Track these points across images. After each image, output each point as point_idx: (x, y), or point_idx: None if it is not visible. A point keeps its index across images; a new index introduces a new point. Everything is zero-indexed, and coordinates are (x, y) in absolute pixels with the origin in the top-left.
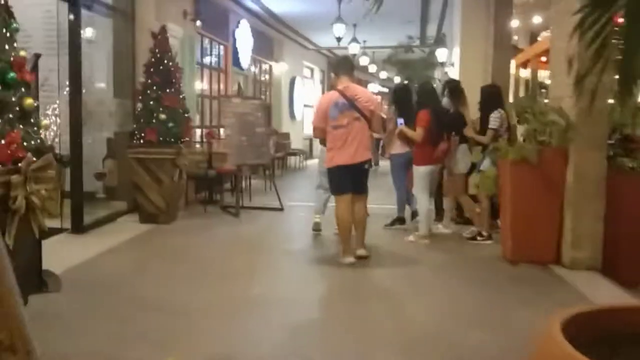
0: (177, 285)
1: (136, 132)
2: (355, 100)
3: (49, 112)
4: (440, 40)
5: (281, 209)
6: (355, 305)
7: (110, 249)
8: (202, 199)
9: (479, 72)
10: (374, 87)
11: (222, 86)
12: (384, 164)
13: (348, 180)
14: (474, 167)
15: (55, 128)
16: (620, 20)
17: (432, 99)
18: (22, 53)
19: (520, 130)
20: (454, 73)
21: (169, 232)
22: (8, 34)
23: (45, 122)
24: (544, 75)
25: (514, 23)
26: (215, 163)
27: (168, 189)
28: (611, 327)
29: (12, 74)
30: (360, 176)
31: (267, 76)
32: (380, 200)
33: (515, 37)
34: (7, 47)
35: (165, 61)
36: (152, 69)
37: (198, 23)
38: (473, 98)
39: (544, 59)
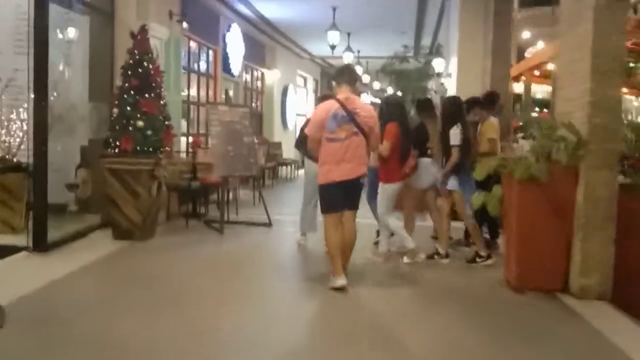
0: (141, 318)
1: (111, 140)
2: (356, 114)
3: (14, 116)
4: (437, 51)
5: (269, 225)
6: (344, 349)
7: (74, 271)
8: (185, 212)
9: (476, 84)
10: (366, 98)
11: (210, 93)
12: None
13: (341, 197)
14: (480, 185)
15: (21, 134)
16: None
17: (400, 113)
18: None
19: (526, 146)
20: (451, 84)
21: (144, 250)
22: None
23: None
24: (536, 89)
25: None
26: (200, 173)
27: (145, 203)
28: None
29: None
30: (355, 192)
31: (259, 84)
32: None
33: None
34: None
35: (145, 63)
36: (129, 72)
37: (185, 24)
38: None
39: (537, 72)
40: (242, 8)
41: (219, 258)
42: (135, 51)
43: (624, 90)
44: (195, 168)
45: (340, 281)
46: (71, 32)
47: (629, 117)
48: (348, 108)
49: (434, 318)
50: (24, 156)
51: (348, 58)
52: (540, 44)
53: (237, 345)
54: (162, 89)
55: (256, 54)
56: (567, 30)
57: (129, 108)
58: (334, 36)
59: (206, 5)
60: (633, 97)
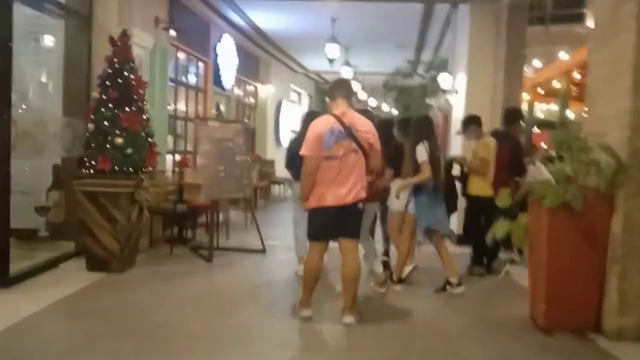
0: None
1: (86, 158)
2: (354, 130)
3: None
4: (441, 66)
5: (263, 251)
6: None
7: (38, 312)
8: (170, 238)
9: (486, 101)
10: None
11: (200, 107)
12: None
13: (334, 225)
14: (505, 212)
15: None
16: None
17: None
18: None
19: (542, 168)
20: (458, 101)
21: (122, 284)
22: None
23: None
24: (539, 108)
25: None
26: (188, 195)
27: (123, 230)
28: None
29: None
30: (352, 218)
31: (252, 98)
32: None
33: None
34: None
35: (126, 73)
36: (108, 82)
37: (172, 33)
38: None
39: (541, 90)
40: (234, 17)
41: (209, 292)
42: (115, 59)
43: None
44: (182, 189)
45: (305, 312)
46: (43, 38)
47: None
48: (345, 123)
49: None
50: None
51: (346, 73)
52: (536, 63)
53: None
54: (145, 102)
55: (250, 68)
56: (600, 43)
57: (106, 123)
58: (333, 49)
59: (196, 13)
60: None
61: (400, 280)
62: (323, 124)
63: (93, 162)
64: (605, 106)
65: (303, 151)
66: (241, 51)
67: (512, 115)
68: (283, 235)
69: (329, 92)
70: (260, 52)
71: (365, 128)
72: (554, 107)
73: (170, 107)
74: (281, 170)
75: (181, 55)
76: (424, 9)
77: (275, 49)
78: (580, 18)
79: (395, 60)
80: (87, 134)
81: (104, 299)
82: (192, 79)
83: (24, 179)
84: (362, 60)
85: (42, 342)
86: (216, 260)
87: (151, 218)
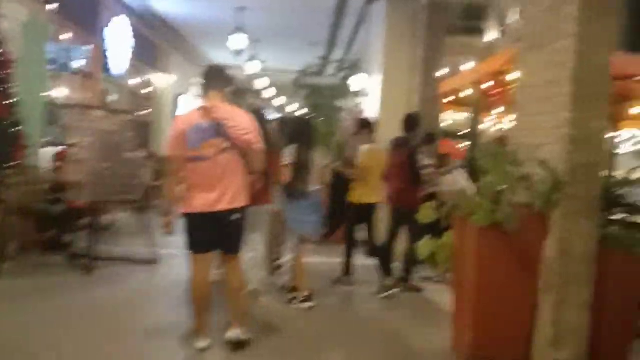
0: None
1: None
2: (224, 125)
3: None
4: (354, 66)
5: (154, 262)
6: None
7: None
8: (43, 244)
9: (401, 104)
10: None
11: (88, 94)
12: None
13: (207, 234)
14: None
15: None
16: None
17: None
18: None
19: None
20: (371, 104)
21: None
22: None
23: None
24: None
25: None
26: (71, 194)
27: None
28: None
29: None
30: (227, 230)
31: (148, 88)
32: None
33: None
34: None
35: None
36: None
37: (52, 6)
38: (394, 131)
39: (447, 100)
40: None
41: (86, 312)
42: None
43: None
44: (61, 187)
45: (200, 343)
46: None
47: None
48: (215, 117)
49: None
50: None
51: (253, 67)
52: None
53: None
54: (14, 84)
55: (146, 55)
56: (539, 45)
57: None
58: (238, 40)
59: None
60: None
61: (310, 297)
62: (187, 120)
63: None
64: (541, 116)
65: (167, 151)
66: (136, 36)
67: (412, 120)
68: (182, 242)
69: (201, 81)
70: (159, 40)
71: (241, 124)
72: (459, 116)
73: (53, 94)
74: None
75: (65, 37)
76: (337, 2)
77: (176, 38)
78: (480, 31)
79: (307, 58)
80: None
81: None
82: (77, 63)
83: None
84: (272, 55)
85: None
86: (98, 271)
87: (22, 221)
